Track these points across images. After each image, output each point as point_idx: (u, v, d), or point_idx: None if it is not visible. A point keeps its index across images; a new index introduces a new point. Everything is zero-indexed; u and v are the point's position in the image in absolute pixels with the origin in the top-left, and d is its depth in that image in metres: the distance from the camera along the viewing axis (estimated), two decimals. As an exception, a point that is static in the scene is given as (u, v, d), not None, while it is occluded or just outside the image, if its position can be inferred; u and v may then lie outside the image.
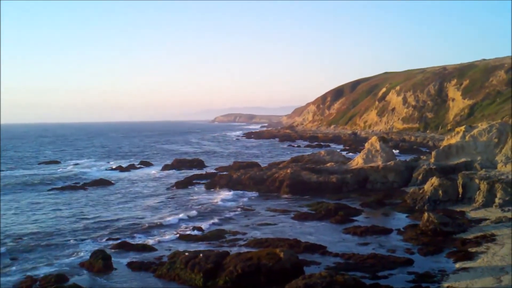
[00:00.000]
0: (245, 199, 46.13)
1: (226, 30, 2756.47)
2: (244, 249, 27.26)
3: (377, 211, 39.87)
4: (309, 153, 73.83)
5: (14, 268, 25.36)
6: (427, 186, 41.07)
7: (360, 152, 60.14)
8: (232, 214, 39.27)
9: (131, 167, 75.50)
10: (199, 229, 33.81)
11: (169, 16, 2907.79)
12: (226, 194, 48.52)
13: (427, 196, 39.75)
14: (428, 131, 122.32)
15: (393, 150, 60.98)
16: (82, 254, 27.75)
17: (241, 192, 49.49)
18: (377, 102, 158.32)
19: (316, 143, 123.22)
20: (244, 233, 32.37)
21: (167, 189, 53.03)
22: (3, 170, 73.58)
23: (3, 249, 28.81)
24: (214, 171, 67.00)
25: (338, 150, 77.94)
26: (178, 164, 74.10)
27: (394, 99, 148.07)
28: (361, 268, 24.47)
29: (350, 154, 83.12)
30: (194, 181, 57.37)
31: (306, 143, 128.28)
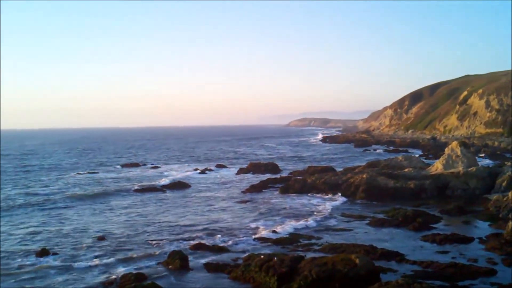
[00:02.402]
0: (337, 203, 46.03)
1: (302, 35, 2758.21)
2: (319, 254, 27.08)
3: (457, 218, 38.41)
4: (386, 158, 72.40)
5: (96, 267, 26.43)
6: (512, 194, 39.18)
7: (439, 157, 58.22)
8: (308, 218, 39.04)
9: (207, 170, 77.31)
10: (274, 232, 33.95)
11: (247, 19, 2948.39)
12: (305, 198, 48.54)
13: (511, 204, 37.92)
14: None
15: (475, 156, 58.65)
16: (160, 254, 28.52)
17: (327, 196, 49.34)
18: (457, 106, 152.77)
19: (393, 148, 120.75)
20: (319, 238, 32.19)
21: (242, 192, 53.66)
22: (86, 172, 77.51)
23: (86, 249, 30.21)
24: (289, 175, 67.13)
25: (417, 156, 76.05)
26: (253, 168, 74.82)
27: (476, 102, 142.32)
28: (440, 277, 23.62)
29: (429, 160, 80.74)
30: (269, 185, 57.67)
31: (383, 148, 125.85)
